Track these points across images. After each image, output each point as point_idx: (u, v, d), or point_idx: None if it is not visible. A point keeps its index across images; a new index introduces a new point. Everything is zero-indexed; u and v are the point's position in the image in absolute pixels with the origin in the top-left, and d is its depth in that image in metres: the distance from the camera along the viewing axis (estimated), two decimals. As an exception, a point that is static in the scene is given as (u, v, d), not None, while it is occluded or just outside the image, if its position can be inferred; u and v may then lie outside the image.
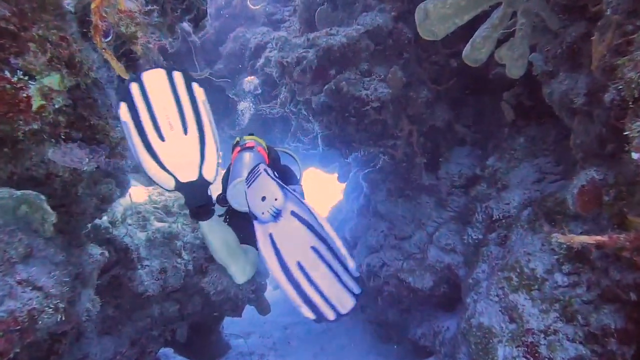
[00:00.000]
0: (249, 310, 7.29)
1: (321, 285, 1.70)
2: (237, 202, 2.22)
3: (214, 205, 2.04)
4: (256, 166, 1.96)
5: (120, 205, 5.57)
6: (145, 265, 5.17)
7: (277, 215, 1.80)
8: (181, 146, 1.75)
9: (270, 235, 1.79)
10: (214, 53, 9.15)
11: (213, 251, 2.29)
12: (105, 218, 4.88)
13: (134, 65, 3.96)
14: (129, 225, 5.42)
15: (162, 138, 1.72)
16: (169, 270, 5.36)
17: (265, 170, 1.90)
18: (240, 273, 2.42)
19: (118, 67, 2.13)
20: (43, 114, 2.08)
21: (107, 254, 4.48)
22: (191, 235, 6.02)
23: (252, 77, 8.26)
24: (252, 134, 2.84)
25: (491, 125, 6.68)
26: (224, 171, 2.62)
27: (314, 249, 1.76)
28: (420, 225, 6.71)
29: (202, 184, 1.82)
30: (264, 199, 1.81)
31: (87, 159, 2.50)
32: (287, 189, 1.84)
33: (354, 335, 8.08)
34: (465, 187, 6.68)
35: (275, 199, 1.80)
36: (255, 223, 1.84)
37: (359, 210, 7.45)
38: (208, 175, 1.81)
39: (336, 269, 1.73)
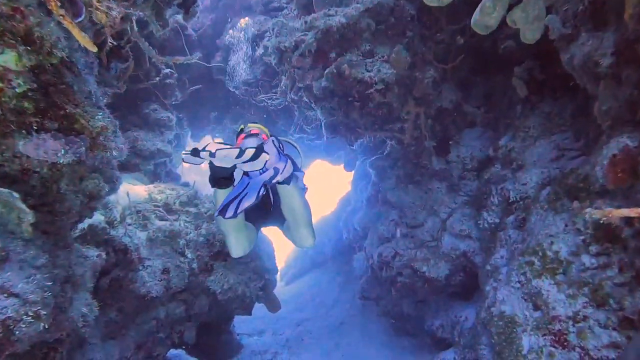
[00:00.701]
0: (260, 307, 7.08)
1: None
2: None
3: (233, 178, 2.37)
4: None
5: (118, 205, 5.37)
6: (147, 266, 4.97)
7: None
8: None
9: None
10: (212, 46, 8.90)
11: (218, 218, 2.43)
12: (102, 218, 4.68)
13: (118, 52, 3.74)
14: (129, 224, 5.21)
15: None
16: (172, 270, 5.15)
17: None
18: (236, 245, 2.56)
19: (82, 38, 1.88)
20: (2, 99, 1.85)
21: (104, 255, 4.29)
22: (194, 232, 5.81)
23: (246, 18, 7.93)
24: (256, 122, 2.91)
25: (502, 104, 6.37)
26: None
27: None
28: (433, 212, 6.43)
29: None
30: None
31: (63, 151, 2.26)
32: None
33: (369, 329, 7.83)
34: (478, 170, 6.39)
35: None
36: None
37: (367, 200, 7.18)
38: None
39: None
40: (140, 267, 4.89)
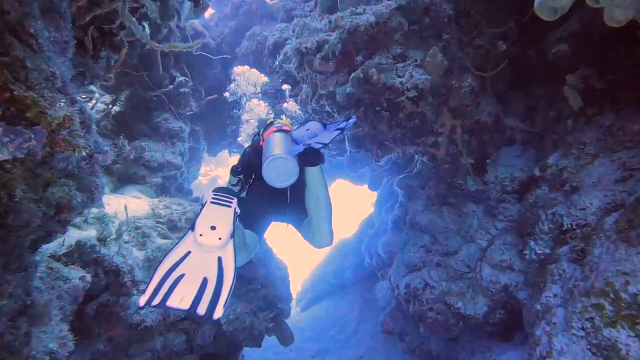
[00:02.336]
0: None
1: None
2: (269, 178, 2.26)
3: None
4: None
5: (116, 219, 4.83)
6: (142, 290, 4.35)
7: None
8: None
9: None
10: (231, 54, 8.48)
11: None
12: (93, 234, 4.13)
13: (111, 40, 3.24)
14: (125, 242, 4.65)
15: None
16: (170, 295, 4.52)
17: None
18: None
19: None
20: None
21: (89, 277, 3.71)
22: (200, 253, 5.20)
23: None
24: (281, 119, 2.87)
25: (547, 118, 5.65)
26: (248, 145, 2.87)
27: None
28: (468, 238, 5.68)
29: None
30: (308, 130, 2.51)
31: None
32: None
33: (391, 367, 7.01)
34: (519, 192, 5.64)
35: (317, 129, 2.55)
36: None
37: (393, 222, 6.46)
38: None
39: None
40: (134, 291, 4.29)
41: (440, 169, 5.72)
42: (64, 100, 1.99)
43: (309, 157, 2.28)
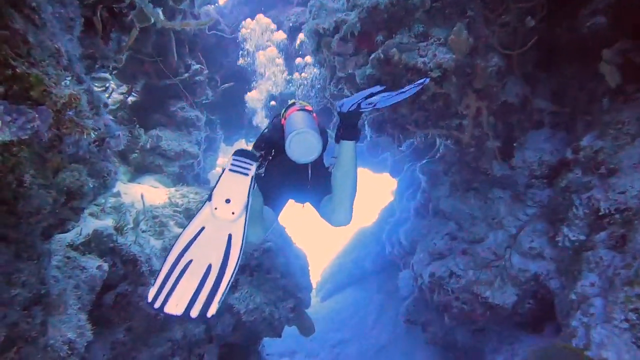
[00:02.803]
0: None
1: None
2: (293, 152, 2.21)
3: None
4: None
5: (133, 209, 4.76)
6: (152, 283, 4.28)
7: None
8: None
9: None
10: (246, 42, 8.33)
11: None
12: (110, 223, 4.06)
13: (121, 21, 3.12)
14: (143, 231, 4.58)
15: None
16: (189, 285, 4.45)
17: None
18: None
19: None
20: None
21: (106, 267, 3.65)
22: (218, 242, 5.12)
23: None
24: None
25: (579, 99, 5.36)
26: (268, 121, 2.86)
27: None
28: (495, 225, 5.45)
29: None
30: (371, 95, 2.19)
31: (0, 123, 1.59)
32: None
33: (414, 357, 6.86)
34: (549, 176, 5.38)
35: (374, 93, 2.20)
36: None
37: (416, 210, 6.24)
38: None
39: None
40: (153, 281, 4.21)
41: (465, 153, 5.49)
42: (69, 77, 1.87)
43: (347, 130, 2.25)
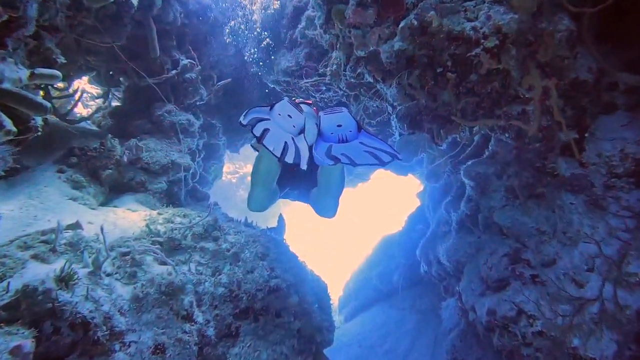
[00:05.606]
0: None
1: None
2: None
3: None
4: (338, 106, 2.24)
5: (99, 244, 3.64)
6: (129, 343, 3.15)
7: (344, 140, 2.20)
8: None
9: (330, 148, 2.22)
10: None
11: (254, 168, 2.74)
12: (50, 271, 2.94)
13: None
14: (108, 275, 3.46)
15: None
16: (169, 347, 3.30)
17: (349, 112, 2.21)
18: (256, 199, 2.74)
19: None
20: None
21: (30, 345, 2.53)
22: (210, 281, 3.97)
23: None
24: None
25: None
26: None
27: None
28: (568, 241, 4.16)
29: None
30: (339, 126, 2.17)
31: None
32: (364, 129, 2.20)
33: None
34: (636, 173, 4.08)
35: (350, 131, 2.18)
36: (318, 139, 2.24)
37: (460, 223, 4.95)
38: None
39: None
40: (117, 346, 3.07)
41: (525, 150, 4.22)
42: None
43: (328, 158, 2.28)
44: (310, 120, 2.37)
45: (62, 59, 3.92)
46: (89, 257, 3.39)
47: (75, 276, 2.98)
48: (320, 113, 2.21)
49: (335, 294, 12.20)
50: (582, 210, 4.29)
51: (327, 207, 2.78)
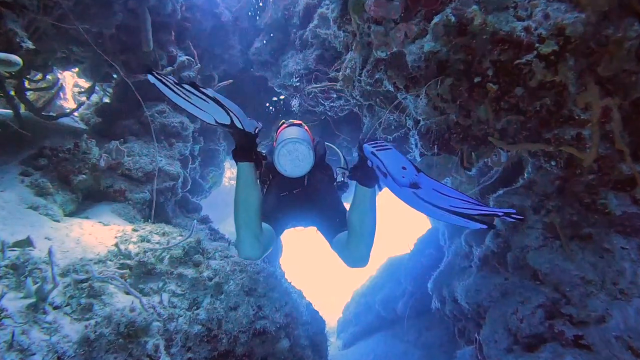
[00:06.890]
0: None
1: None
2: (283, 165, 2.30)
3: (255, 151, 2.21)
4: (379, 140, 2.02)
5: (41, 264, 2.99)
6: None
7: (413, 184, 1.98)
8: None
9: (415, 193, 1.98)
10: (251, 30, 6.57)
11: (234, 204, 2.19)
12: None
13: None
14: (56, 308, 2.81)
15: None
16: (121, 405, 2.63)
17: (396, 149, 1.98)
18: (248, 242, 2.14)
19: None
20: None
21: None
22: (187, 315, 3.30)
23: None
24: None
25: None
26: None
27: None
28: (619, 295, 3.45)
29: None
30: (404, 168, 1.96)
31: None
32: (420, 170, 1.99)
33: None
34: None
35: (416, 175, 1.97)
36: (389, 181, 2.02)
37: (483, 259, 4.22)
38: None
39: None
40: (54, 406, 2.41)
41: (572, 181, 3.52)
42: None
43: (364, 176, 2.10)
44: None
45: (29, 44, 3.31)
46: (33, 285, 2.75)
47: (2, 313, 2.34)
48: (367, 146, 1.98)
49: (334, 316, 11.45)
50: (637, 257, 3.59)
51: (360, 256, 2.18)
